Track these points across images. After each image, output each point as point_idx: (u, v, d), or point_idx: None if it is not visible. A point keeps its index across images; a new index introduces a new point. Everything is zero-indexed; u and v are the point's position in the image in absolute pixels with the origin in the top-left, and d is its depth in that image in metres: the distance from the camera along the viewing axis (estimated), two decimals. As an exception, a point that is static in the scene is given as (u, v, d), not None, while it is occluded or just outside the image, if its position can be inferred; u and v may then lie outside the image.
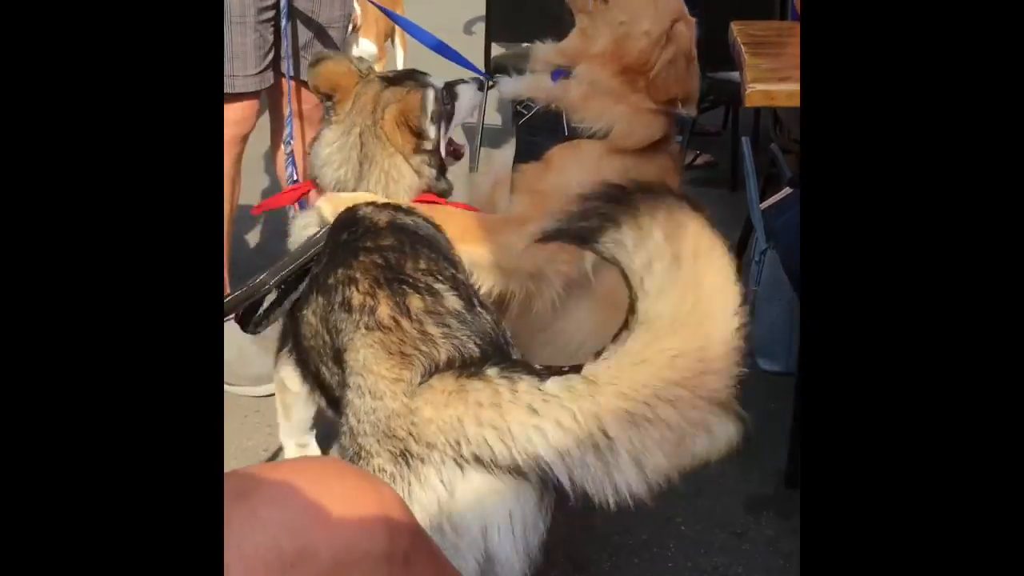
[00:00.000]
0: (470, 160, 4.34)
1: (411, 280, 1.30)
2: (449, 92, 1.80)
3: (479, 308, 1.31)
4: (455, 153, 1.86)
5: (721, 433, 1.20)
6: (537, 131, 1.91)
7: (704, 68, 3.80)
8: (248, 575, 0.57)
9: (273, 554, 0.58)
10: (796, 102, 1.79)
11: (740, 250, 3.17)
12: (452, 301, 1.29)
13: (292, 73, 2.38)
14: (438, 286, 1.31)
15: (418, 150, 1.70)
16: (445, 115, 1.76)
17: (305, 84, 2.51)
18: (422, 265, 1.34)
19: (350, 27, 4.54)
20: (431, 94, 1.71)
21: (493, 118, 5.40)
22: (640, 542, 1.96)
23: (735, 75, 3.16)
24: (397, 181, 1.70)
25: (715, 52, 3.14)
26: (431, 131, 1.70)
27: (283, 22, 2.24)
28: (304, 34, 2.45)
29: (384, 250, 1.37)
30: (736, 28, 2.34)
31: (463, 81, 1.87)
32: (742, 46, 2.14)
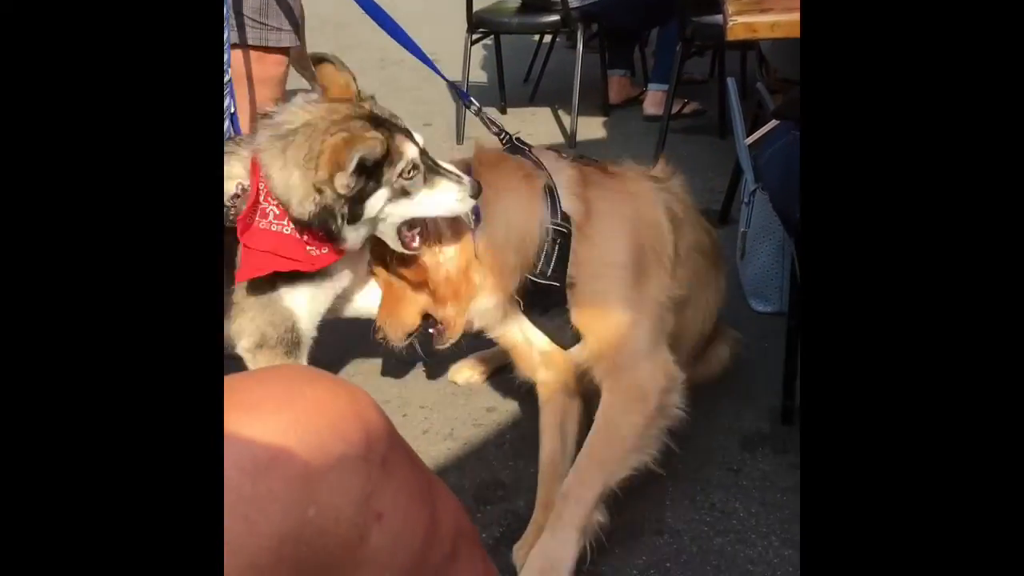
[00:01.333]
0: (457, 128, 4.32)
1: None
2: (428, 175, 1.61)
3: None
4: (406, 243, 1.67)
5: None
6: None
7: (689, 12, 3.80)
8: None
9: (246, 458, 0.57)
10: (778, 33, 1.77)
11: (730, 194, 3.17)
12: None
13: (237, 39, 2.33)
14: None
15: (327, 182, 1.55)
16: (399, 190, 1.60)
17: (257, 48, 2.47)
18: None
19: None
20: (375, 147, 1.53)
21: (478, 76, 5.37)
22: (639, 481, 1.98)
23: (719, 18, 3.12)
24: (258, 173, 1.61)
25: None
26: (344, 177, 1.53)
27: None
28: None
29: None
30: (718, -35, 2.31)
31: (451, 176, 1.63)
32: (723, -19, 2.11)
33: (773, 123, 2.27)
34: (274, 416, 0.59)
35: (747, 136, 2.61)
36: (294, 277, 1.69)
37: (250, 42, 2.39)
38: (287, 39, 2.46)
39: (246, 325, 1.72)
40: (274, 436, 0.58)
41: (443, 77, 2.15)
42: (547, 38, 5.12)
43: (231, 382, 0.62)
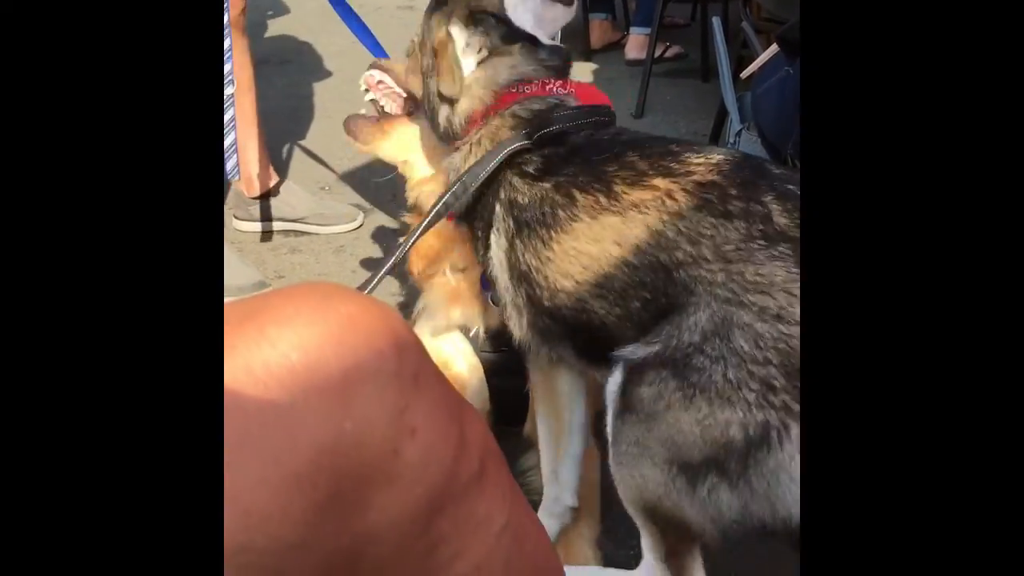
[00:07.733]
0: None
1: None
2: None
3: None
4: None
5: None
6: None
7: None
8: (260, 391, 0.56)
9: (284, 369, 0.57)
10: (769, -31, 1.76)
11: (714, 136, 3.16)
12: None
13: None
14: None
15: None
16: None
17: None
18: None
19: None
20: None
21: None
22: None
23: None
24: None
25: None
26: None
27: None
28: None
29: None
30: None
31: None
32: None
33: (768, 54, 2.25)
34: (309, 330, 0.59)
35: (732, 76, 2.60)
36: None
37: None
38: None
39: None
40: (311, 348, 0.58)
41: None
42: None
43: (264, 298, 0.61)
